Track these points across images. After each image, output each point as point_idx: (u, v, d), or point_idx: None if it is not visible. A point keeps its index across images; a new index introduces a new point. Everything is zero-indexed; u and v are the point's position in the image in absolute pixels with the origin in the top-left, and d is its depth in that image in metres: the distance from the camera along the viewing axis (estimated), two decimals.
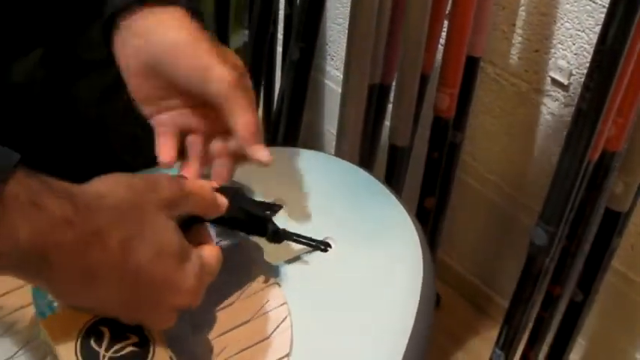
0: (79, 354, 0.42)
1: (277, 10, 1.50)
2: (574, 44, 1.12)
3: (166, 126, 0.55)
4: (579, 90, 0.91)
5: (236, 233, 0.58)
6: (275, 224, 0.55)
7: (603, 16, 0.85)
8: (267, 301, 0.54)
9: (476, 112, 1.31)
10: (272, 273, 0.57)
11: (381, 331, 0.54)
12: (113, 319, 0.44)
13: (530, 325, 1.19)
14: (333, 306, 0.55)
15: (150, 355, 0.44)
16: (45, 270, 0.39)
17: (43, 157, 0.40)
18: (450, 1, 1.10)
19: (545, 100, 1.21)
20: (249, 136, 0.51)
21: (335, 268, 0.58)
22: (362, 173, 0.70)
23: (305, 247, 0.59)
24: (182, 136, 0.56)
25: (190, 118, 0.55)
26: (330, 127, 1.72)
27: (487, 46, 1.20)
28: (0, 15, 0.58)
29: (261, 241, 0.56)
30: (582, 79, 0.92)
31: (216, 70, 0.51)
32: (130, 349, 0.43)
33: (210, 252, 0.47)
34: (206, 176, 0.55)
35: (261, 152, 0.51)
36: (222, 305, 0.53)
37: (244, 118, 0.51)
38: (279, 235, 0.55)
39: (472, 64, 1.16)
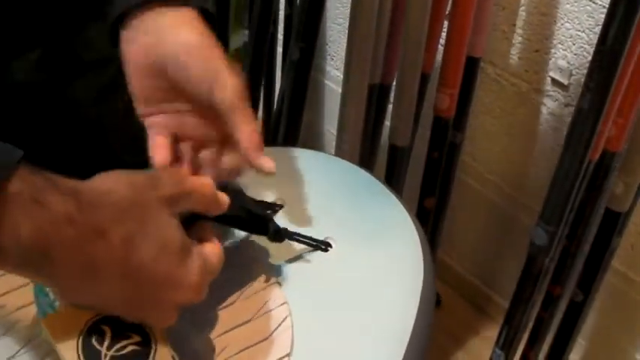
0: (80, 353, 0.42)
1: (277, 10, 1.50)
2: (574, 44, 1.12)
3: (161, 127, 0.55)
4: (579, 90, 0.91)
5: (237, 233, 0.58)
6: (276, 223, 0.55)
7: (603, 16, 0.86)
8: (268, 300, 0.54)
9: (476, 112, 1.31)
10: (273, 273, 0.57)
11: (382, 330, 0.54)
12: (115, 318, 0.44)
13: (531, 325, 1.19)
14: (333, 306, 0.55)
15: (152, 354, 0.44)
16: (47, 266, 0.40)
17: (42, 157, 0.40)
18: (450, 2, 1.10)
19: (546, 100, 1.21)
20: (253, 147, 0.51)
21: (335, 268, 0.58)
22: (362, 173, 0.70)
23: (306, 246, 0.59)
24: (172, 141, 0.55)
25: (184, 125, 0.55)
26: (331, 127, 1.72)
27: (487, 47, 1.20)
28: None
29: (262, 241, 0.56)
30: (582, 80, 0.92)
31: (226, 77, 0.51)
32: (131, 347, 0.43)
33: (212, 249, 0.47)
34: None
35: (266, 163, 0.52)
36: (223, 305, 0.53)
37: (249, 129, 0.51)
38: (280, 235, 0.55)
39: (472, 65, 1.16)
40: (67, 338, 0.42)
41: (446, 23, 1.13)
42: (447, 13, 1.12)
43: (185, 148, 0.55)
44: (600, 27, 0.86)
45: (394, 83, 1.17)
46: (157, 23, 0.52)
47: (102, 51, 0.64)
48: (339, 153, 1.18)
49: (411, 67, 1.10)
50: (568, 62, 1.14)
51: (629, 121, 0.96)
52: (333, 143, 1.21)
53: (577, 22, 1.10)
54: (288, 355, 0.51)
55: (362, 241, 0.61)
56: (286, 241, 0.56)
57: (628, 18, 0.83)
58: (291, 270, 0.57)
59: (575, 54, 1.13)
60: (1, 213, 0.37)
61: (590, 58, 0.90)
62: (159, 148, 0.54)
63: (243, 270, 0.56)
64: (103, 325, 0.43)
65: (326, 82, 1.67)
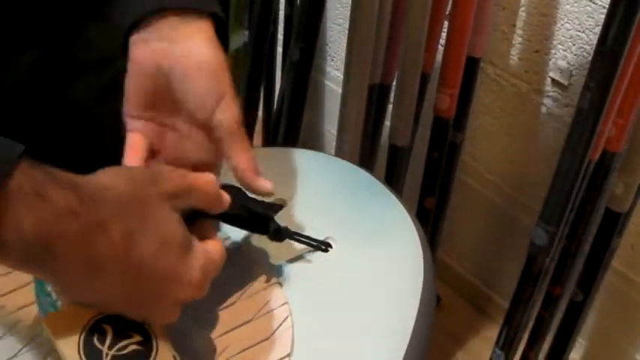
0: (81, 352, 0.42)
1: (277, 10, 1.50)
2: (574, 45, 1.12)
3: (140, 132, 0.55)
4: (579, 91, 0.91)
5: (238, 232, 0.58)
6: (276, 222, 0.55)
7: (603, 16, 0.86)
8: (269, 300, 0.54)
9: (476, 112, 1.31)
10: (273, 273, 0.57)
11: (382, 331, 0.54)
12: (116, 317, 0.44)
13: (531, 325, 1.19)
14: (334, 306, 0.55)
15: (153, 354, 0.44)
16: (49, 261, 0.40)
17: (42, 157, 0.40)
18: (450, 2, 1.10)
19: (546, 100, 1.21)
20: (251, 172, 0.53)
21: (336, 268, 0.58)
22: (362, 173, 0.70)
23: (306, 247, 0.59)
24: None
25: (163, 139, 0.55)
26: (331, 127, 1.72)
27: (487, 47, 1.20)
28: None
29: (263, 241, 0.56)
30: (582, 80, 0.92)
31: (229, 100, 0.52)
32: (133, 347, 0.43)
33: (213, 247, 0.47)
34: None
35: (265, 184, 0.53)
36: (223, 305, 0.54)
37: (246, 156, 0.52)
38: (280, 234, 0.55)
39: (472, 65, 1.16)
40: (68, 337, 0.42)
41: (446, 23, 1.13)
42: (447, 13, 1.12)
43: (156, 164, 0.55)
44: (600, 27, 0.86)
45: (394, 83, 1.17)
46: (172, 32, 0.52)
47: (102, 51, 0.64)
48: (339, 153, 1.18)
49: (411, 67, 1.10)
50: (568, 63, 1.14)
51: (629, 122, 0.96)
52: (333, 143, 1.21)
53: (577, 22, 1.10)
54: (288, 355, 0.51)
55: (362, 241, 0.61)
56: (287, 241, 0.56)
57: (628, 18, 0.83)
58: (291, 270, 0.57)
59: (575, 54, 1.13)
60: (4, 207, 0.37)
61: (590, 58, 0.90)
62: (133, 151, 0.54)
63: (243, 270, 0.56)
64: (104, 325, 0.43)
65: (326, 82, 1.67)
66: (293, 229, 0.57)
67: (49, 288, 0.47)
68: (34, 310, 0.49)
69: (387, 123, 1.21)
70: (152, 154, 0.55)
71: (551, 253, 1.04)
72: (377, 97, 1.17)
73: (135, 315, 0.44)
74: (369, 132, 1.20)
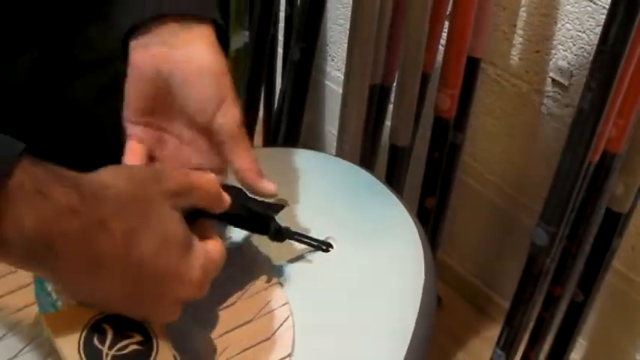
0: (81, 352, 0.42)
1: (278, 11, 1.50)
2: (575, 45, 1.12)
3: (140, 138, 0.55)
4: (580, 91, 0.91)
5: (238, 233, 0.58)
6: (277, 223, 0.55)
7: (604, 17, 0.86)
8: (270, 300, 0.54)
9: (477, 112, 1.31)
10: (274, 273, 0.57)
11: (383, 331, 0.54)
12: (116, 317, 0.44)
13: (531, 325, 1.19)
14: (334, 306, 0.55)
15: (153, 354, 0.44)
16: (51, 259, 0.40)
17: (41, 157, 0.40)
18: (450, 2, 1.10)
19: (546, 101, 1.21)
20: (254, 173, 0.53)
21: (336, 268, 0.58)
22: (363, 173, 0.70)
23: (307, 247, 0.59)
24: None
25: (163, 145, 0.55)
26: (331, 127, 1.72)
27: (488, 47, 1.20)
28: None
29: (264, 242, 0.56)
30: (583, 80, 0.92)
31: (230, 104, 0.52)
32: (133, 347, 0.43)
33: (214, 247, 0.47)
34: None
35: (268, 185, 0.53)
36: (224, 305, 0.54)
37: (248, 158, 0.52)
38: (281, 234, 0.55)
39: (473, 65, 1.16)
40: (68, 337, 0.42)
41: (446, 24, 1.13)
42: (447, 13, 1.12)
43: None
44: (601, 28, 0.86)
45: (395, 84, 1.17)
46: (172, 38, 0.52)
47: (102, 51, 0.64)
48: (340, 153, 1.18)
49: (412, 67, 1.10)
50: (569, 63, 1.14)
51: (630, 122, 0.96)
52: (334, 144, 1.21)
53: (578, 22, 1.10)
54: (289, 355, 0.51)
55: (363, 241, 0.61)
56: (287, 241, 0.56)
57: (628, 18, 0.83)
58: (292, 270, 0.57)
59: (575, 55, 1.13)
60: (4, 205, 0.37)
61: (590, 58, 0.90)
62: (131, 156, 0.54)
63: (244, 270, 0.56)
64: (104, 324, 0.43)
65: (327, 82, 1.67)
66: (294, 229, 0.57)
67: (50, 288, 0.46)
68: (34, 310, 0.49)
69: (388, 123, 1.21)
70: (151, 160, 0.55)
71: (551, 254, 1.04)
72: (377, 97, 1.17)
73: (135, 314, 0.44)
74: (370, 132, 1.20)
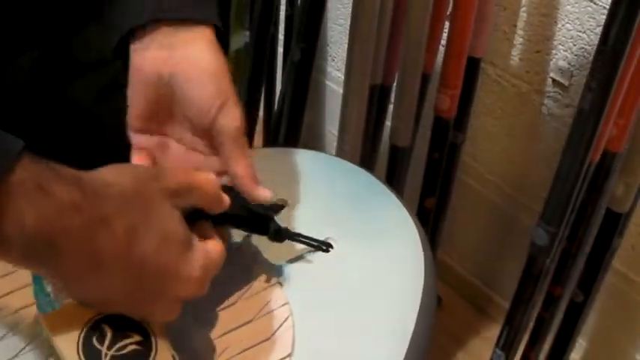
0: (80, 352, 0.42)
1: (278, 10, 1.50)
2: (575, 45, 1.12)
3: (144, 148, 0.55)
4: (580, 91, 0.91)
5: (238, 233, 0.58)
6: (277, 223, 0.55)
7: (604, 17, 0.86)
8: (269, 301, 0.54)
9: (477, 113, 1.31)
10: (274, 273, 0.57)
11: (383, 331, 0.54)
12: (115, 317, 0.44)
13: (531, 325, 1.19)
14: (334, 306, 0.55)
15: (152, 354, 0.44)
16: (52, 257, 0.39)
17: (42, 157, 0.40)
18: (451, 2, 1.10)
19: (546, 101, 1.21)
20: (250, 179, 0.52)
21: (336, 269, 0.58)
22: (363, 173, 0.70)
23: (306, 247, 0.59)
24: None
25: (166, 151, 0.55)
26: (331, 127, 1.72)
27: (488, 47, 1.20)
28: None
29: (263, 242, 0.56)
30: (583, 81, 0.92)
31: (232, 105, 0.52)
32: (132, 347, 0.43)
33: (213, 247, 0.47)
34: None
35: (263, 192, 0.53)
36: (224, 305, 0.54)
37: (245, 162, 0.52)
38: (280, 234, 0.55)
39: (473, 65, 1.16)
40: (67, 337, 0.42)
41: (447, 24, 1.13)
42: (447, 13, 1.12)
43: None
44: (601, 28, 0.86)
45: (395, 84, 1.17)
46: (171, 39, 0.52)
47: (102, 51, 0.64)
48: (340, 153, 1.18)
49: (412, 67, 1.10)
50: (569, 63, 1.14)
51: (630, 122, 0.96)
52: (334, 144, 1.21)
53: (578, 23, 1.10)
54: (289, 355, 0.51)
55: (363, 242, 0.61)
56: (287, 241, 0.56)
57: (629, 19, 0.83)
58: (292, 270, 0.57)
59: (575, 55, 1.13)
60: (5, 202, 0.37)
61: (591, 59, 0.90)
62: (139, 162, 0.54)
63: (244, 270, 0.56)
64: (103, 324, 0.43)
65: (327, 82, 1.67)
66: (293, 229, 0.57)
67: (49, 288, 0.46)
68: (33, 311, 0.49)
69: (388, 123, 1.21)
70: (153, 164, 0.55)
71: (551, 254, 1.04)
72: (378, 97, 1.17)
73: (135, 312, 0.44)
74: (370, 132, 1.20)
